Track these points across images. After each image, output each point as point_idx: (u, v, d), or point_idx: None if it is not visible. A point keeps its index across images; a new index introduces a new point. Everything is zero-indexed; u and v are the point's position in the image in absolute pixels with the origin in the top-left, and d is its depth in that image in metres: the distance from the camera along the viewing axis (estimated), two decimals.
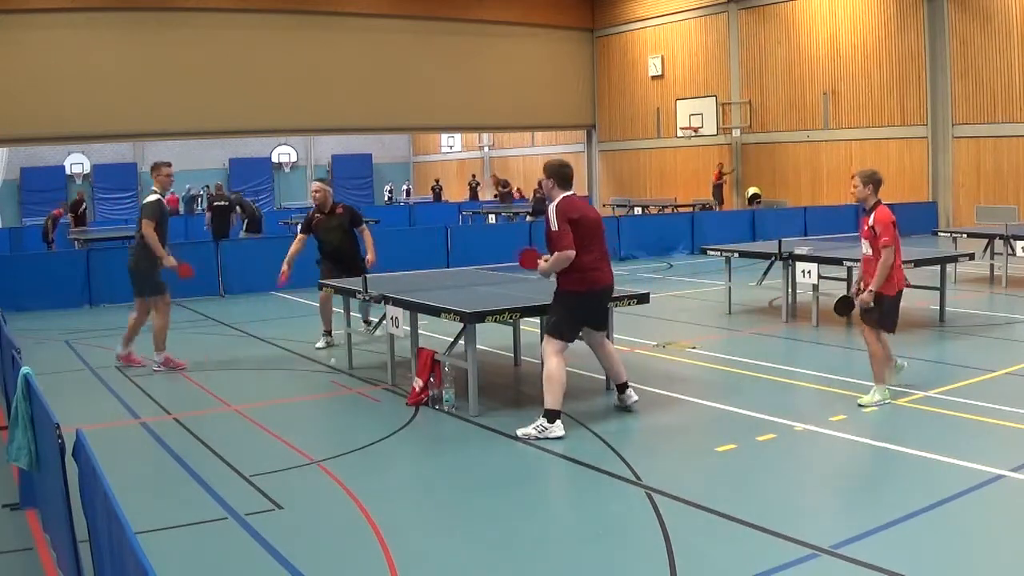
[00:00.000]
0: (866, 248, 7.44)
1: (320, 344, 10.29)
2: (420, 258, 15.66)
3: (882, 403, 7.12)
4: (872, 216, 7.43)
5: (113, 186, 38.67)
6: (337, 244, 10.13)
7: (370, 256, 10.19)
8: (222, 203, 20.22)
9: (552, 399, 6.65)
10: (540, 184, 7.36)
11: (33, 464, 4.44)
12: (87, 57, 23.86)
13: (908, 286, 7.63)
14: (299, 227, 10.70)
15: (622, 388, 7.30)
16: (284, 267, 10.06)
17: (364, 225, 10.47)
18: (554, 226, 6.72)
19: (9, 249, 22.07)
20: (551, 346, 6.84)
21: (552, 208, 6.80)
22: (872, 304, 7.20)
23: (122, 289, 14.60)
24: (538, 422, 6.63)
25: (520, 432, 6.62)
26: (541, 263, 6.92)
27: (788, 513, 5.12)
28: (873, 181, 7.52)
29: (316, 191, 10.27)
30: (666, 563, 4.50)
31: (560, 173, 6.92)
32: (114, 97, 24.25)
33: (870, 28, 24.08)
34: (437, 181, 39.16)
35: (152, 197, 9.18)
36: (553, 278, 7.00)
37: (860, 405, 7.10)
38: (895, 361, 7.58)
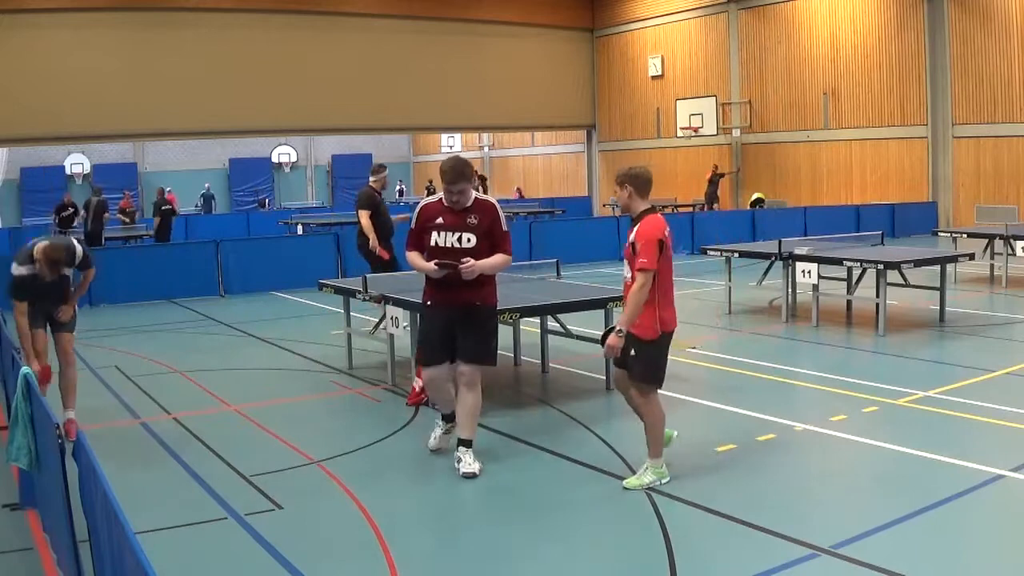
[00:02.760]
0: (627, 271, 5.52)
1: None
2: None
3: (656, 483, 5.52)
4: (636, 228, 5.46)
5: (113, 186, 38.64)
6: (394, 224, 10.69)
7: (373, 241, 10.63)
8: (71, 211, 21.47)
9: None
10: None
11: (33, 464, 4.44)
12: (87, 57, 23.86)
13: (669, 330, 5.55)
14: (363, 205, 10.67)
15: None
16: (377, 244, 10.32)
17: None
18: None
19: (9, 249, 22.04)
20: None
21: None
22: (627, 351, 5.44)
23: (122, 289, 14.73)
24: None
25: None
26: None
27: (788, 513, 5.12)
28: (633, 182, 5.51)
29: (383, 176, 10.84)
30: (666, 563, 4.50)
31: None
32: (114, 97, 24.26)
33: (870, 28, 24.09)
34: (431, 181, 39.11)
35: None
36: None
37: (625, 488, 5.53)
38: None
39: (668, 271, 5.49)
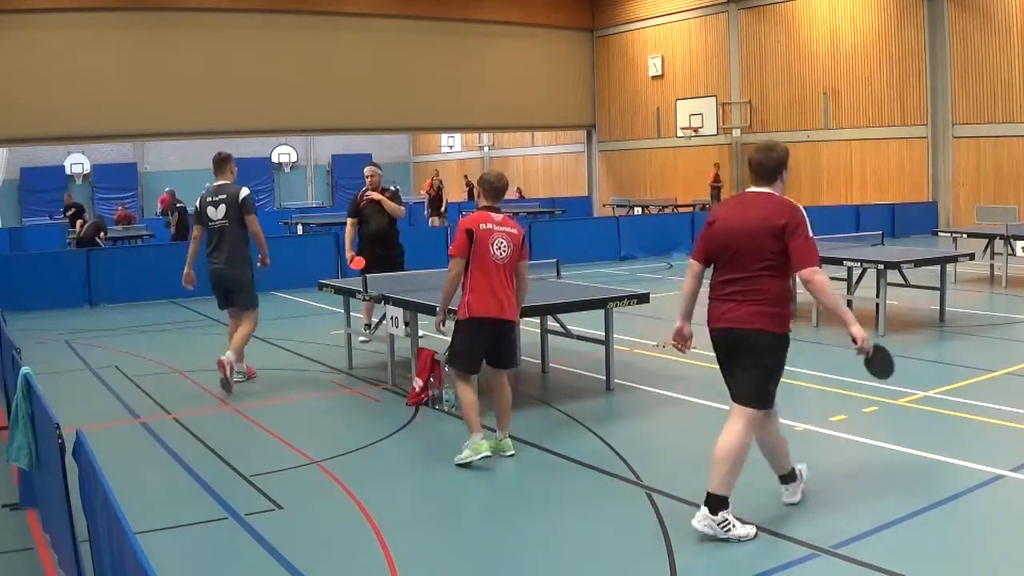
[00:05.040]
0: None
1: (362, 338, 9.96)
2: (420, 258, 15.64)
3: (471, 459, 5.90)
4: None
5: (113, 186, 38.65)
6: (384, 226, 10.49)
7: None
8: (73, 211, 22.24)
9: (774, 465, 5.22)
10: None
11: (33, 464, 4.43)
12: (87, 57, 23.85)
13: (484, 318, 5.98)
14: (347, 212, 10.90)
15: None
16: (351, 253, 10.14)
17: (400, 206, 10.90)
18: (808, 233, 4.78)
19: (9, 249, 22.06)
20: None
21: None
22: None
23: (122, 289, 14.73)
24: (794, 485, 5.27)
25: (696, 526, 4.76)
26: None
27: (788, 513, 5.11)
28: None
29: (372, 175, 10.65)
30: (666, 563, 4.50)
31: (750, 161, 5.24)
32: (114, 97, 24.25)
33: (870, 27, 24.08)
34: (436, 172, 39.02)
35: None
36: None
37: (467, 460, 5.95)
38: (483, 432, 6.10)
39: (480, 260, 6.01)
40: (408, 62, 28.13)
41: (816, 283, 4.76)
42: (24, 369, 4.46)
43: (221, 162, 8.70)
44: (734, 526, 4.64)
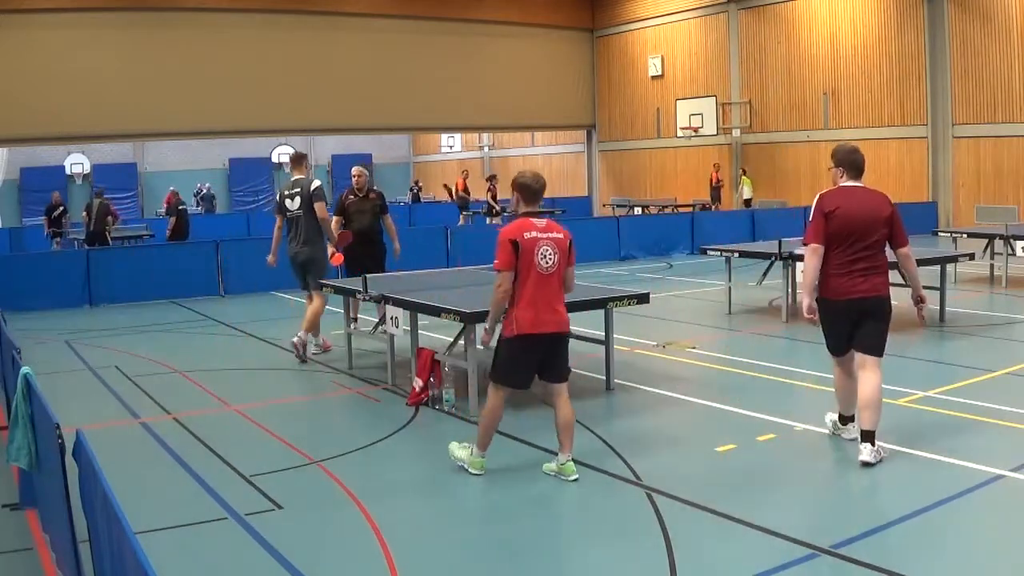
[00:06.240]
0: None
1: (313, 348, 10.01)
2: (420, 258, 15.66)
3: (463, 463, 5.89)
4: None
5: (113, 186, 38.64)
6: (367, 226, 10.64)
7: (396, 246, 10.87)
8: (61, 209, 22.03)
9: (840, 405, 6.31)
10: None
11: (33, 464, 4.43)
12: (87, 57, 23.85)
13: (535, 334, 5.65)
14: (332, 210, 10.95)
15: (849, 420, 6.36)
16: (332, 250, 10.10)
17: (388, 214, 11.02)
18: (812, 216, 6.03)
19: (9, 249, 22.06)
20: (832, 362, 6.25)
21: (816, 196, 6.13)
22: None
23: (122, 289, 14.74)
24: (873, 447, 5.81)
25: (866, 459, 5.74)
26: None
27: (788, 513, 5.12)
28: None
29: (359, 175, 10.78)
30: (666, 563, 4.50)
31: (849, 160, 6.07)
32: (114, 97, 24.25)
33: (870, 28, 24.08)
34: (416, 182, 38.94)
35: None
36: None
37: (456, 460, 5.97)
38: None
39: (526, 271, 5.62)
40: (408, 62, 28.13)
41: (911, 256, 6.24)
42: (24, 369, 4.46)
43: (298, 159, 10.02)
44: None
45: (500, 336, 5.80)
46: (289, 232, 9.80)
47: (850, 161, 6.06)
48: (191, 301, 14.54)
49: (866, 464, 5.69)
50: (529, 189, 5.80)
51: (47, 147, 34.61)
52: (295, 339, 9.60)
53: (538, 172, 6.03)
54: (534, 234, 5.67)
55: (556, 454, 5.82)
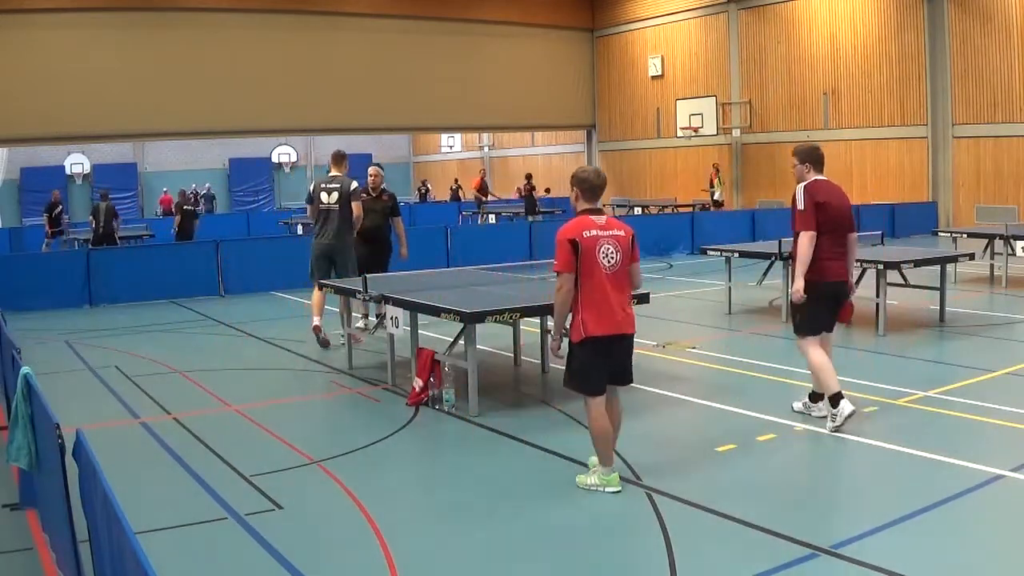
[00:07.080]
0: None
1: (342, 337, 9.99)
2: (420, 258, 15.67)
3: (597, 488, 5.50)
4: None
5: (113, 186, 38.60)
6: (376, 225, 10.81)
7: (403, 251, 11.04)
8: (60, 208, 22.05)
9: (831, 383, 6.50)
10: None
11: (33, 464, 4.43)
12: (87, 57, 23.85)
13: (603, 336, 5.42)
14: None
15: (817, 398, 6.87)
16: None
17: (399, 217, 11.23)
18: (800, 206, 6.61)
19: (9, 249, 22.06)
20: (804, 343, 6.73)
21: (800, 189, 6.69)
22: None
23: (122, 289, 14.74)
24: (828, 411, 6.55)
25: (831, 427, 6.46)
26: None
27: (788, 513, 5.11)
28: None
29: (375, 175, 11.11)
30: (666, 563, 4.50)
31: (814, 156, 6.81)
32: (114, 97, 24.25)
33: (870, 28, 24.09)
34: (424, 182, 38.96)
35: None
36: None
37: (590, 488, 5.56)
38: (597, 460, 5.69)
39: (587, 275, 5.40)
40: (408, 62, 28.13)
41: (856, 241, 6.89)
42: (24, 369, 4.46)
43: (340, 157, 10.44)
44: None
45: (569, 343, 5.55)
46: (317, 223, 10.23)
47: (815, 157, 6.73)
48: (191, 301, 14.54)
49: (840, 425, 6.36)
50: (589, 184, 5.55)
51: (47, 147, 34.61)
52: (313, 325, 10.12)
53: (599, 168, 5.76)
54: (594, 232, 5.44)
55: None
